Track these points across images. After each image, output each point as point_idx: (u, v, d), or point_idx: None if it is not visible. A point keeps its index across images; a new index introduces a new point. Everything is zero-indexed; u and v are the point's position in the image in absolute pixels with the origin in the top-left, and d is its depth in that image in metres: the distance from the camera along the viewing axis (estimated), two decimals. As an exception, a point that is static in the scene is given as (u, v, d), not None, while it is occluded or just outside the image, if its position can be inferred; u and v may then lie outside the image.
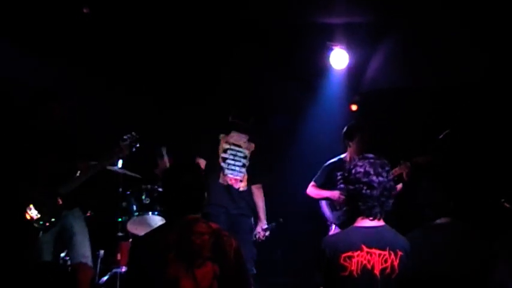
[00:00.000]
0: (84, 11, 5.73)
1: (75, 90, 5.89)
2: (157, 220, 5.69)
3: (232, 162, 5.39)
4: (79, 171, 4.90)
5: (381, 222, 3.20)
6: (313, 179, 5.76)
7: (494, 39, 5.43)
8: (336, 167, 5.63)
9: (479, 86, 5.83)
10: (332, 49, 6.54)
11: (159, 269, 2.99)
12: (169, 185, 3.30)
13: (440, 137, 5.20)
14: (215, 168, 5.31)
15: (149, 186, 5.85)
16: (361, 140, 5.60)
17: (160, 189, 5.91)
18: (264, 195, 5.60)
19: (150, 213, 5.78)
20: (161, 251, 3.02)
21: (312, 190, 5.75)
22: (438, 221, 3.46)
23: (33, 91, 5.04)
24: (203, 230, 3.10)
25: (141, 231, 5.56)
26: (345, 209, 5.21)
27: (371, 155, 3.31)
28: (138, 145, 5.13)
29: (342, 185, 4.80)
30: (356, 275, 3.05)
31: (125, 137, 5.09)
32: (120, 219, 5.81)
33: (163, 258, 3.00)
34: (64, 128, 5.02)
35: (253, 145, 5.46)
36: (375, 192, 3.15)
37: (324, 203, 5.79)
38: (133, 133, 5.10)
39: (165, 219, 3.94)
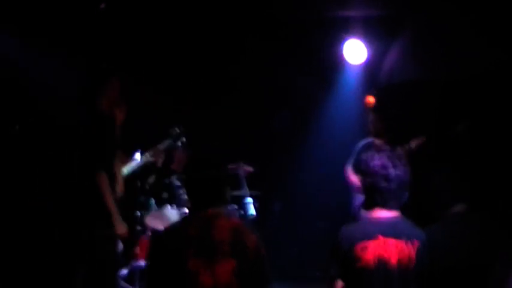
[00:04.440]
0: (101, 6, 5.76)
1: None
2: (175, 214, 5.73)
3: None
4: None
5: (397, 213, 3.19)
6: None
7: (508, 30, 5.38)
8: None
9: (497, 76, 5.77)
10: (349, 43, 6.52)
11: (179, 264, 2.99)
12: (191, 177, 3.28)
13: (457, 127, 5.19)
14: None
15: (167, 180, 5.89)
16: (372, 121, 5.69)
17: (177, 184, 5.96)
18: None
19: (169, 207, 5.83)
20: (181, 246, 3.02)
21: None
22: (455, 209, 3.44)
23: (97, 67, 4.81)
24: (224, 225, 3.08)
25: (159, 226, 5.60)
26: None
27: (387, 147, 3.32)
28: (184, 140, 5.09)
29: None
30: (373, 265, 3.05)
31: (172, 131, 5.06)
32: (138, 213, 5.86)
33: (184, 252, 3.00)
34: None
35: None
36: (392, 185, 3.14)
37: None
38: (179, 127, 5.05)
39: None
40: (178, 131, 5.01)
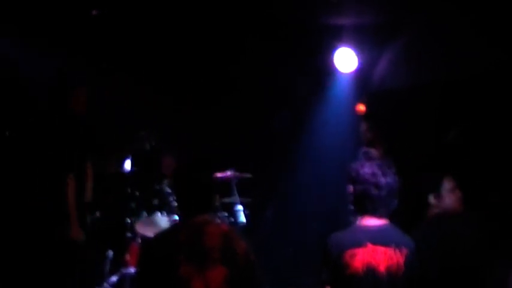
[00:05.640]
0: (93, 13, 5.76)
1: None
2: (165, 221, 5.71)
3: None
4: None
5: (386, 221, 3.23)
6: None
7: (504, 31, 5.37)
8: None
9: (497, 76, 5.75)
10: (340, 50, 6.55)
11: (170, 270, 2.99)
12: (178, 182, 3.27)
13: (450, 133, 5.21)
14: None
15: (158, 187, 5.88)
16: (363, 131, 5.69)
17: (168, 190, 5.95)
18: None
19: (159, 214, 5.81)
20: (172, 252, 3.02)
21: None
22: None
23: (60, 74, 4.92)
24: (214, 231, 3.09)
25: (149, 232, 5.58)
26: None
27: (376, 156, 3.36)
28: (153, 144, 5.07)
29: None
30: (361, 272, 3.07)
31: (138, 134, 5.03)
32: (129, 220, 5.84)
33: (174, 259, 2.99)
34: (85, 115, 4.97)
35: None
36: (382, 192, 3.18)
37: None
38: (147, 131, 5.03)
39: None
40: (145, 135, 4.99)
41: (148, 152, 5.06)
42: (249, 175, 6.42)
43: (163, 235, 3.27)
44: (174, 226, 3.24)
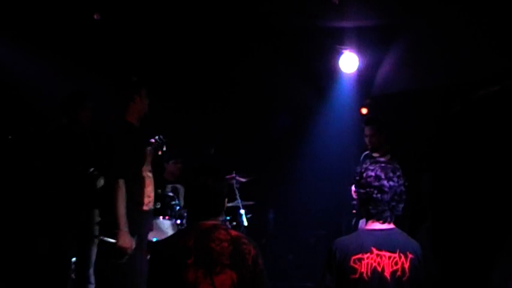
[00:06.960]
0: (95, 17, 5.76)
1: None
2: (167, 225, 5.72)
3: None
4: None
5: (391, 225, 3.20)
6: None
7: (506, 35, 5.37)
8: None
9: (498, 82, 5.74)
10: (342, 53, 6.56)
11: (178, 275, 2.99)
12: (188, 187, 3.26)
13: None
14: None
15: (159, 191, 5.86)
16: (367, 136, 5.69)
17: (170, 194, 5.94)
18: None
19: (161, 217, 5.81)
20: (180, 257, 3.01)
21: None
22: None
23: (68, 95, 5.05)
24: (222, 236, 3.08)
25: (152, 236, 5.56)
26: None
27: (382, 159, 3.33)
28: (165, 149, 5.03)
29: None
30: (366, 278, 3.05)
31: (151, 140, 4.99)
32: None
33: (182, 263, 2.99)
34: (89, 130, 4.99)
35: None
36: (385, 196, 3.15)
37: None
38: (160, 136, 4.99)
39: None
40: (159, 140, 4.94)
41: (157, 158, 5.00)
42: (250, 178, 6.42)
43: (172, 239, 3.28)
44: (183, 230, 3.21)
